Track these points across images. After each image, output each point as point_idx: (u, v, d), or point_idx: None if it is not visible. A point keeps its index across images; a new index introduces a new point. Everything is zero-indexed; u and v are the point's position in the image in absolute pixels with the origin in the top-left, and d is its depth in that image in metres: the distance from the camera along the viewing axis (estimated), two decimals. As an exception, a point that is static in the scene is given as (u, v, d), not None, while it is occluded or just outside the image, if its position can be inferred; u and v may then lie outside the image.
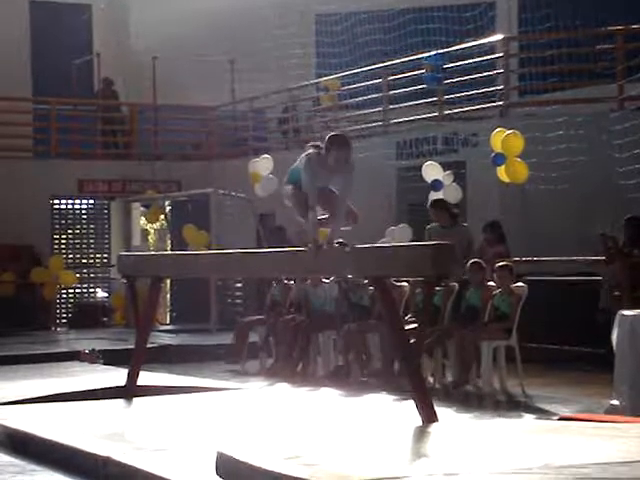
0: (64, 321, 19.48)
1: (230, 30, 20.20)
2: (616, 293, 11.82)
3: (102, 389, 8.95)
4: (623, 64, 14.37)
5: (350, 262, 6.82)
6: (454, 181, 13.76)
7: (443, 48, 16.17)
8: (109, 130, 20.92)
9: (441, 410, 6.51)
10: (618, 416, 7.78)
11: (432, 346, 10.74)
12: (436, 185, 13.65)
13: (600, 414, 8.20)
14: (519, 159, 12.84)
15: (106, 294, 20.45)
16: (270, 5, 19.52)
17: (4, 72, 19.28)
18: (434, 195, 13.57)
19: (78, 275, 19.29)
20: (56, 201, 19.97)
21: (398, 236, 13.20)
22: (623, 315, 8.28)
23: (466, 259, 11.28)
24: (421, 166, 13.92)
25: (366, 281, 10.63)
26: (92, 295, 20.52)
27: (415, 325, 10.61)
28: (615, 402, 8.26)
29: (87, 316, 19.10)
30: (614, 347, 8.38)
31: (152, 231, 24.39)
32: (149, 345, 8.96)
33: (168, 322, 19.77)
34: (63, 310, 19.77)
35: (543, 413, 9.24)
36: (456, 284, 11.18)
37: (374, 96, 17.30)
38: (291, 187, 7.21)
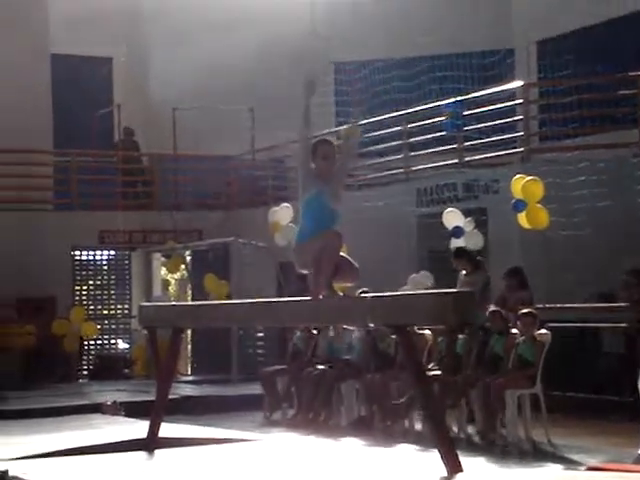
0: (85, 373, 19.44)
1: (249, 79, 20.34)
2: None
3: (123, 442, 8.87)
4: (644, 109, 14.35)
5: (371, 310, 6.74)
6: (475, 228, 13.69)
7: (462, 95, 16.19)
8: (130, 181, 21.03)
9: (466, 460, 6.39)
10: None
11: (458, 397, 10.64)
12: (457, 232, 13.58)
13: (628, 464, 8.06)
14: (540, 205, 12.77)
15: (127, 345, 20.42)
16: (289, 54, 19.63)
17: (26, 124, 19.41)
18: (455, 242, 13.51)
19: (99, 326, 19.27)
20: (77, 252, 20.03)
21: (419, 283, 13.12)
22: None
23: (480, 304, 11.24)
24: (442, 213, 13.87)
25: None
26: (113, 346, 20.49)
27: (438, 373, 10.55)
28: (643, 451, 8.13)
29: (108, 367, 19.06)
30: None
31: (173, 281, 24.38)
32: (170, 396, 8.87)
33: (189, 372, 19.69)
34: (84, 362, 19.73)
35: (570, 463, 9.11)
36: (480, 331, 11.11)
37: (394, 143, 17.33)
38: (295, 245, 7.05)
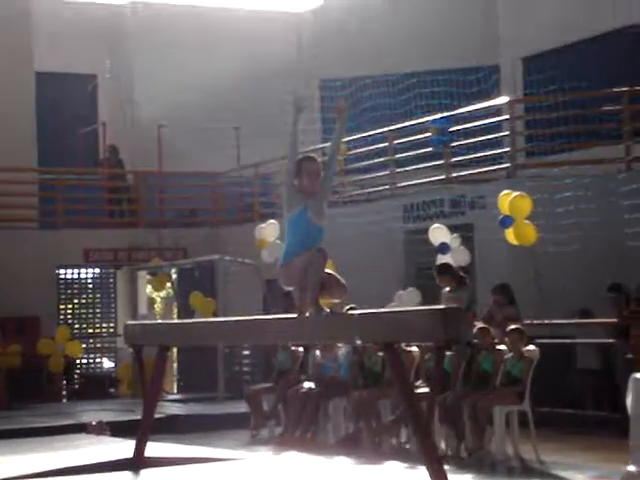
0: (71, 392, 19.31)
1: (235, 97, 20.34)
2: (629, 356, 11.66)
3: (109, 462, 8.78)
4: (629, 125, 14.38)
5: (358, 328, 6.70)
6: (462, 244, 13.66)
7: (448, 111, 16.21)
8: (115, 198, 20.96)
9: (454, 477, 6.34)
10: (635, 482, 7.59)
11: (445, 414, 10.59)
12: (443, 248, 13.54)
13: (617, 480, 8.01)
14: (527, 221, 12.74)
15: (113, 364, 20.30)
16: (274, 72, 19.63)
17: (10, 143, 19.34)
18: (441, 258, 13.48)
19: (84, 345, 19.15)
20: (62, 271, 19.92)
21: (407, 300, 13.08)
22: (637, 379, 8.10)
23: (470, 319, 11.23)
24: (428, 229, 13.84)
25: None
26: (99, 365, 20.37)
27: (426, 390, 10.50)
28: (632, 468, 8.06)
29: (94, 387, 18.93)
30: (629, 411, 8.20)
31: (158, 299, 24.30)
32: (157, 415, 8.80)
33: (175, 391, 19.58)
34: (70, 381, 19.61)
35: (559, 480, 9.06)
36: (467, 348, 11.07)
37: (381, 160, 17.33)
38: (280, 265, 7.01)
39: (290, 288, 6.90)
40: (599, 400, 12.81)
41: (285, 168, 6.86)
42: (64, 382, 18.95)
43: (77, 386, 19.44)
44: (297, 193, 6.79)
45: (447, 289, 12.13)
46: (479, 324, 11.26)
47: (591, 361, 12.95)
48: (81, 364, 19.86)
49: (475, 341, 11.03)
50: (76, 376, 19.66)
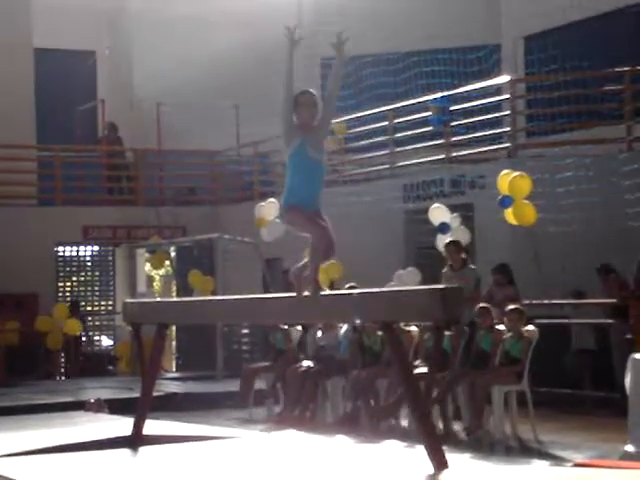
0: (69, 370, 19.34)
1: (234, 75, 20.25)
2: (629, 336, 11.67)
3: (107, 439, 8.78)
4: (631, 105, 14.33)
5: (357, 307, 6.68)
6: (462, 224, 13.63)
7: (449, 90, 16.14)
8: (114, 176, 20.92)
9: (452, 457, 6.33)
10: (633, 462, 7.60)
11: (443, 393, 10.60)
12: (443, 228, 13.52)
13: (615, 460, 8.02)
14: (527, 201, 12.71)
15: (111, 342, 20.30)
16: (274, 49, 19.54)
17: (8, 120, 19.29)
18: (442, 238, 13.45)
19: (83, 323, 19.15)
20: (60, 248, 19.89)
21: (406, 280, 13.07)
22: (636, 359, 8.11)
23: (474, 300, 11.20)
24: (428, 209, 13.81)
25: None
26: (97, 343, 20.37)
27: (425, 370, 10.50)
28: (630, 448, 8.09)
29: (92, 364, 18.94)
30: (627, 392, 8.22)
31: (157, 277, 24.29)
32: (155, 393, 8.79)
33: (174, 369, 19.60)
34: (69, 359, 19.61)
35: (557, 460, 9.08)
36: (466, 328, 11.07)
37: (380, 139, 17.27)
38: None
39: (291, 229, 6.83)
40: (596, 380, 12.83)
41: (282, 103, 6.77)
42: (62, 360, 18.97)
43: (76, 364, 19.47)
44: (294, 128, 6.67)
45: (447, 268, 12.08)
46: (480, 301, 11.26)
47: (587, 341, 12.95)
48: (80, 342, 19.85)
49: (475, 320, 11.03)
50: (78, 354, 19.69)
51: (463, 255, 12.20)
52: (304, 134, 6.65)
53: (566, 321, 13.12)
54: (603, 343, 12.80)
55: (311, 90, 6.78)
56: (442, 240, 13.44)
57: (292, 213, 6.69)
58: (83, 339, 19.84)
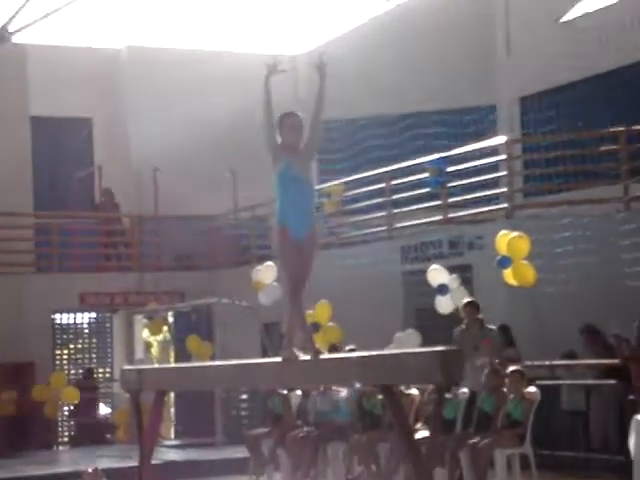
0: (66, 439, 19.16)
1: (230, 140, 20.32)
2: (631, 397, 11.56)
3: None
4: (627, 165, 14.36)
5: (357, 370, 6.60)
6: (460, 285, 13.57)
7: (445, 152, 16.20)
8: (111, 242, 20.90)
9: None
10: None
11: (445, 456, 10.48)
12: (442, 289, 13.46)
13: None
14: (526, 261, 12.68)
15: (109, 410, 20.13)
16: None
17: (6, 187, 19.36)
18: (440, 299, 13.39)
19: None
20: (57, 315, 19.81)
21: (406, 342, 12.97)
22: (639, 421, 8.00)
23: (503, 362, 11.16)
24: (427, 270, 13.76)
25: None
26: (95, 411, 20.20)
27: (426, 434, 10.37)
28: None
29: (90, 433, 18.77)
30: (631, 454, 8.09)
31: (155, 343, 24.19)
32: (154, 461, 8.67)
33: (173, 436, 19.43)
34: (65, 428, 19.44)
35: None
36: (467, 391, 10.98)
37: (377, 201, 17.29)
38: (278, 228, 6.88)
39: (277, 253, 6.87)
40: (589, 441, 12.71)
41: (263, 128, 6.82)
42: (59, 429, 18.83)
43: (73, 432, 19.31)
44: (279, 150, 6.77)
45: (462, 327, 11.88)
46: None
47: (578, 402, 12.75)
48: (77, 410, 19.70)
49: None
50: (72, 423, 19.52)
51: (480, 315, 12.02)
52: (289, 155, 6.74)
53: (568, 382, 12.98)
54: (596, 404, 12.73)
55: (296, 112, 6.86)
56: (441, 301, 13.38)
57: (279, 235, 6.76)
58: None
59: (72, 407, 19.73)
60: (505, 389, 10.82)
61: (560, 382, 12.94)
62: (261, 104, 6.91)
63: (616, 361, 12.17)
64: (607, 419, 12.62)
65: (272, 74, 7.01)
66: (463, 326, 12.03)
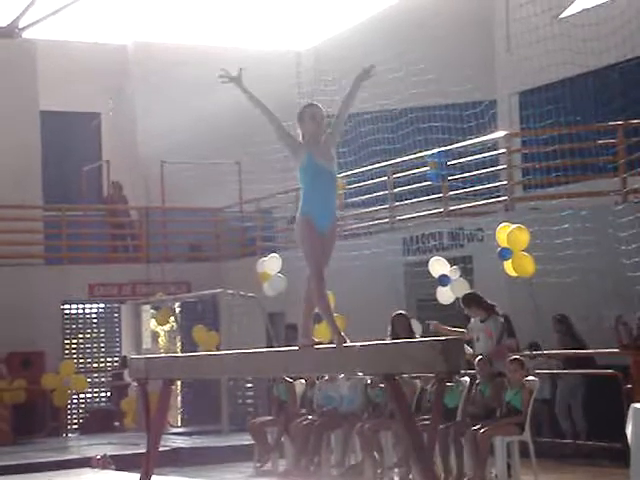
0: (75, 426, 19.41)
1: (235, 133, 20.51)
2: (628, 386, 11.77)
3: (115, 495, 8.88)
4: (624, 158, 14.53)
5: (360, 359, 6.81)
6: (461, 276, 13.79)
7: (446, 146, 16.38)
8: (119, 234, 21.15)
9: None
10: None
11: (446, 444, 10.68)
12: (443, 280, 13.67)
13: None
14: (525, 253, 12.87)
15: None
16: (274, 108, 19.80)
17: (16, 181, 19.57)
18: (441, 290, 13.60)
19: (89, 380, 19.27)
20: (67, 306, 20.06)
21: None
22: (637, 409, 8.14)
23: (502, 350, 11.29)
24: (428, 261, 13.97)
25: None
26: (103, 399, 20.47)
27: (427, 421, 10.59)
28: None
29: (98, 421, 19.02)
30: (629, 441, 8.26)
31: (162, 333, 24.39)
32: (161, 448, 8.89)
33: (179, 424, 19.66)
34: (74, 415, 19.70)
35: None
36: (466, 379, 11.16)
37: (380, 194, 17.48)
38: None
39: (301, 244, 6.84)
40: (554, 428, 13.00)
41: (275, 131, 6.85)
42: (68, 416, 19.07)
43: (81, 420, 19.56)
44: (297, 144, 6.80)
45: (477, 319, 11.67)
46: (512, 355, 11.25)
47: (543, 390, 12.84)
48: (86, 398, 19.95)
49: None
50: (81, 411, 19.78)
51: (488, 304, 11.65)
52: (311, 146, 6.76)
53: (565, 371, 13.20)
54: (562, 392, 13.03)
55: (317, 103, 6.93)
56: (442, 292, 13.60)
57: (304, 225, 6.75)
58: (89, 396, 19.97)
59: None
60: (505, 378, 10.98)
61: (557, 371, 13.15)
62: (257, 105, 6.95)
63: (616, 350, 12.39)
64: (571, 407, 12.97)
65: (238, 81, 7.08)
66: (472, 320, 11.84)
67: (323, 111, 6.85)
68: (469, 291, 12.62)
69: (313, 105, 6.89)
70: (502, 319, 11.72)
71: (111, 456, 13.34)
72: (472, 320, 11.79)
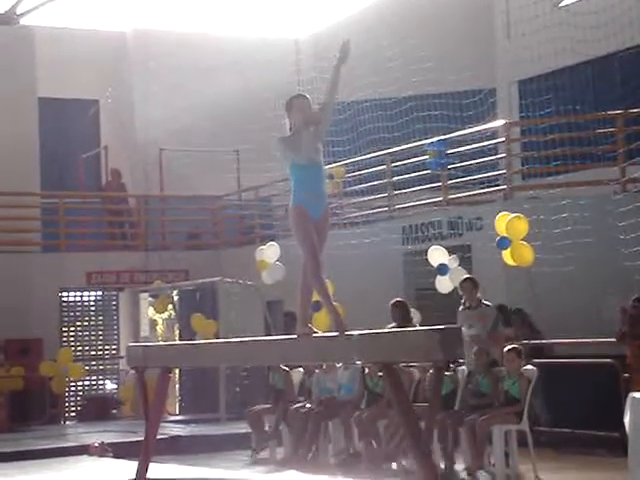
0: (73, 414, 19.43)
1: (234, 120, 20.49)
2: (626, 375, 11.78)
3: (112, 482, 8.88)
4: (624, 147, 14.53)
5: (357, 348, 6.82)
6: (460, 265, 13.78)
7: (445, 134, 16.36)
8: (117, 222, 21.13)
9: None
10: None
11: (444, 432, 10.69)
12: (442, 269, 13.67)
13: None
14: (524, 242, 12.88)
15: (115, 386, 20.40)
16: (274, 95, 19.79)
17: (13, 167, 19.55)
18: (440, 279, 13.60)
19: (87, 367, 19.28)
20: (64, 294, 20.05)
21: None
22: (635, 398, 8.15)
23: (497, 339, 11.29)
24: (427, 250, 13.96)
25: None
26: (101, 387, 20.48)
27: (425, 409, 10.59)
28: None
29: (96, 408, 19.03)
30: (627, 430, 8.27)
31: (160, 321, 24.39)
32: (159, 436, 8.90)
33: (177, 412, 19.68)
34: (72, 403, 19.71)
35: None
36: (465, 368, 11.17)
37: (379, 182, 17.47)
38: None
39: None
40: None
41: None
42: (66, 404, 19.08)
43: (80, 408, 19.57)
44: (289, 143, 6.94)
45: (463, 307, 11.88)
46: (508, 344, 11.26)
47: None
48: (83, 386, 19.95)
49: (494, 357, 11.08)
50: (79, 398, 19.79)
51: (479, 293, 11.99)
52: (296, 142, 6.91)
53: (571, 360, 13.18)
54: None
55: (305, 94, 7.02)
56: (441, 281, 13.59)
57: (296, 212, 6.93)
58: (87, 383, 19.98)
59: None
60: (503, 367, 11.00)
61: (563, 360, 13.14)
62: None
63: (612, 340, 12.39)
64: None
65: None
66: (461, 307, 12.10)
67: (311, 102, 6.94)
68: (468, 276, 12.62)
69: (300, 96, 7.01)
70: (494, 308, 11.87)
71: (109, 444, 13.38)
72: (460, 308, 11.87)
